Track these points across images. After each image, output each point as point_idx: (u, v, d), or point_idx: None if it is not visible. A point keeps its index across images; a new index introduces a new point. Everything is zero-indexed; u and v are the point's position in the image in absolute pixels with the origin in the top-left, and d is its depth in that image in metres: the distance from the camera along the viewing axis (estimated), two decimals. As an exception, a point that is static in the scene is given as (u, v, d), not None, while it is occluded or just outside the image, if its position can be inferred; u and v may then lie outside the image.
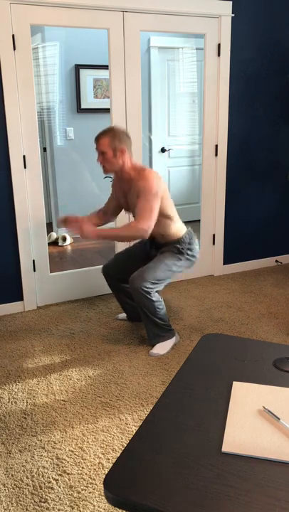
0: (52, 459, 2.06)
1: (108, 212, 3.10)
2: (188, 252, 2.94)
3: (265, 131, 4.09)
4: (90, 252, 4.78)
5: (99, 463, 2.03)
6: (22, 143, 3.27)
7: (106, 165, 2.75)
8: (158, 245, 3.01)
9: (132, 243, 3.47)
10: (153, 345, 2.94)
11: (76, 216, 2.93)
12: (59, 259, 4.60)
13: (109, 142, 2.68)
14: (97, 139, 2.73)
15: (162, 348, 2.91)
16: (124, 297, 3.20)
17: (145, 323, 2.90)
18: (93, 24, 3.26)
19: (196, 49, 5.38)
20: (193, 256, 2.98)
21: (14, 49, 3.10)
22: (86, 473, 1.97)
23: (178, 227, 2.92)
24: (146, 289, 2.75)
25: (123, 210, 3.06)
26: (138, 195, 2.69)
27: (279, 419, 1.22)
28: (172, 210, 2.87)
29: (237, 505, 0.99)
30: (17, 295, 3.55)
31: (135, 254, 3.11)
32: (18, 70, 3.14)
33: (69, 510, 1.79)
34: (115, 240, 2.75)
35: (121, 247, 3.73)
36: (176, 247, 2.91)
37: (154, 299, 2.80)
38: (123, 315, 3.40)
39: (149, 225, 2.64)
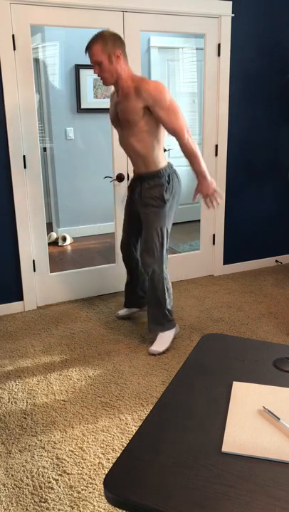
0: (52, 459, 2.06)
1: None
2: (167, 195, 2.76)
3: (265, 131, 4.09)
4: (90, 252, 4.78)
5: (99, 463, 2.03)
6: (22, 143, 3.27)
7: (105, 74, 2.56)
8: (139, 179, 2.82)
9: (124, 202, 3.44)
10: (151, 343, 2.94)
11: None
12: (59, 259, 4.60)
13: (102, 48, 2.50)
14: (88, 48, 2.54)
15: (161, 343, 2.90)
16: (135, 286, 3.26)
17: (151, 309, 2.92)
18: (93, 24, 3.26)
19: (196, 49, 5.38)
20: (173, 196, 2.81)
21: (14, 49, 3.10)
22: (86, 473, 1.97)
23: (160, 156, 2.77)
24: (157, 273, 2.81)
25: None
26: (153, 105, 2.53)
27: (279, 419, 1.22)
28: (163, 135, 2.75)
29: (237, 505, 0.99)
30: (17, 295, 3.55)
31: (131, 213, 3.02)
32: (18, 69, 3.14)
33: (69, 510, 1.79)
34: (201, 161, 2.70)
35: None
36: (155, 196, 2.74)
37: (166, 281, 2.86)
38: (123, 311, 3.39)
39: (187, 131, 2.60)
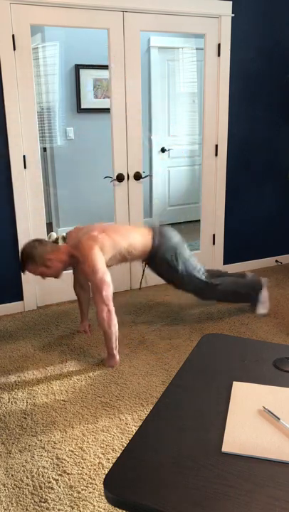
0: (52, 459, 2.06)
1: (80, 280, 3.13)
2: (171, 255, 2.95)
3: (265, 131, 4.09)
4: (90, 252, 4.77)
5: (99, 463, 2.03)
6: (22, 143, 3.27)
7: (52, 275, 2.80)
8: (150, 263, 3.03)
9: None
10: (255, 307, 3.22)
11: (83, 326, 3.15)
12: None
13: (34, 267, 2.74)
14: (23, 270, 2.79)
15: (263, 305, 3.18)
16: None
17: (240, 300, 3.21)
18: (93, 24, 3.26)
19: (196, 49, 5.38)
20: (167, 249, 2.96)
21: (14, 49, 3.10)
22: (86, 473, 1.97)
23: (144, 242, 2.90)
24: (204, 286, 2.98)
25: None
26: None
27: (279, 419, 1.22)
28: (126, 238, 2.84)
29: (237, 505, 0.99)
30: (17, 295, 3.55)
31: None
32: (18, 69, 3.14)
33: (69, 510, 1.79)
34: (113, 338, 2.71)
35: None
36: (163, 261, 2.95)
37: (217, 283, 2.98)
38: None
39: (106, 301, 2.63)
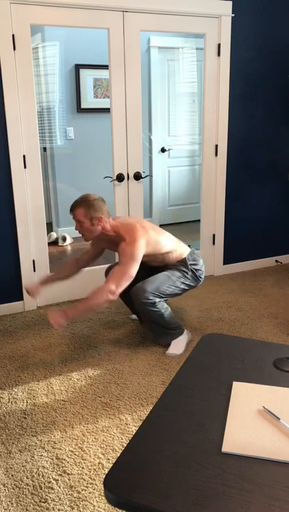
0: (52, 459, 2.06)
1: (82, 262, 3.07)
2: (194, 268, 2.93)
3: (265, 131, 4.09)
4: (90, 252, 4.77)
5: (99, 463, 2.03)
6: (22, 143, 3.27)
7: (85, 233, 2.77)
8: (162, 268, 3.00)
9: None
10: (168, 346, 2.95)
11: (33, 285, 2.96)
12: (59, 259, 4.60)
13: (85, 213, 2.70)
14: (72, 209, 2.74)
15: (177, 347, 2.91)
16: (132, 302, 3.19)
17: (152, 329, 2.90)
18: (93, 24, 3.26)
19: (196, 49, 5.38)
20: (199, 274, 2.95)
21: (14, 49, 3.10)
22: (86, 473, 1.97)
23: (179, 253, 2.91)
24: (149, 301, 2.75)
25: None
26: (120, 254, 2.68)
27: (279, 419, 1.22)
28: (168, 244, 2.85)
29: (237, 505, 0.99)
30: (17, 295, 3.55)
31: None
32: (18, 69, 3.14)
33: (69, 510, 1.79)
34: (89, 311, 2.64)
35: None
36: (181, 264, 2.92)
37: (158, 307, 2.79)
38: (135, 316, 3.39)
39: (119, 286, 2.59)
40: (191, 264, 2.92)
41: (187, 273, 2.90)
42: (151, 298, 2.74)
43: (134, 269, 2.63)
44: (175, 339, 2.93)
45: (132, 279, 2.64)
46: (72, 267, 3.06)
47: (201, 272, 2.96)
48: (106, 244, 2.96)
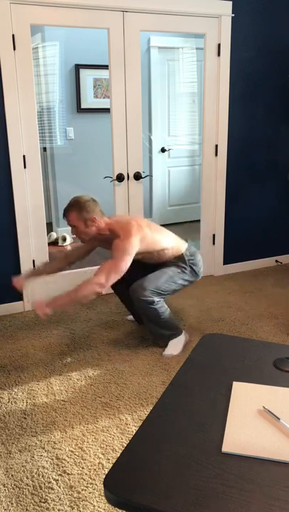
0: (52, 459, 2.06)
1: (72, 257, 3.06)
2: (193, 263, 2.92)
3: (265, 131, 4.09)
4: (90, 252, 4.78)
5: (99, 463, 2.03)
6: (22, 143, 3.27)
7: (81, 236, 2.77)
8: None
9: None
10: (165, 346, 2.94)
11: (18, 278, 2.92)
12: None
13: (78, 216, 2.69)
14: (65, 214, 2.74)
15: (175, 348, 2.90)
16: (131, 303, 3.19)
17: (150, 328, 2.90)
18: (93, 24, 3.26)
19: (196, 49, 5.38)
20: (197, 269, 2.95)
21: (14, 49, 3.10)
22: (86, 473, 1.97)
23: (176, 250, 2.90)
24: (148, 299, 2.74)
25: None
26: (113, 249, 2.67)
27: (279, 419, 1.22)
28: (165, 241, 2.84)
29: (237, 505, 0.99)
30: (17, 295, 3.55)
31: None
32: (18, 70, 3.14)
33: (69, 510, 1.79)
34: (75, 302, 2.61)
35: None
36: (178, 260, 2.91)
37: (157, 306, 2.78)
38: (131, 317, 3.39)
39: (108, 279, 2.58)
40: (189, 260, 2.91)
41: (186, 268, 2.90)
42: (150, 296, 2.74)
43: (125, 264, 2.62)
44: (173, 340, 2.93)
45: (122, 274, 2.63)
46: (61, 262, 3.06)
47: (199, 266, 2.96)
48: (101, 244, 2.96)
